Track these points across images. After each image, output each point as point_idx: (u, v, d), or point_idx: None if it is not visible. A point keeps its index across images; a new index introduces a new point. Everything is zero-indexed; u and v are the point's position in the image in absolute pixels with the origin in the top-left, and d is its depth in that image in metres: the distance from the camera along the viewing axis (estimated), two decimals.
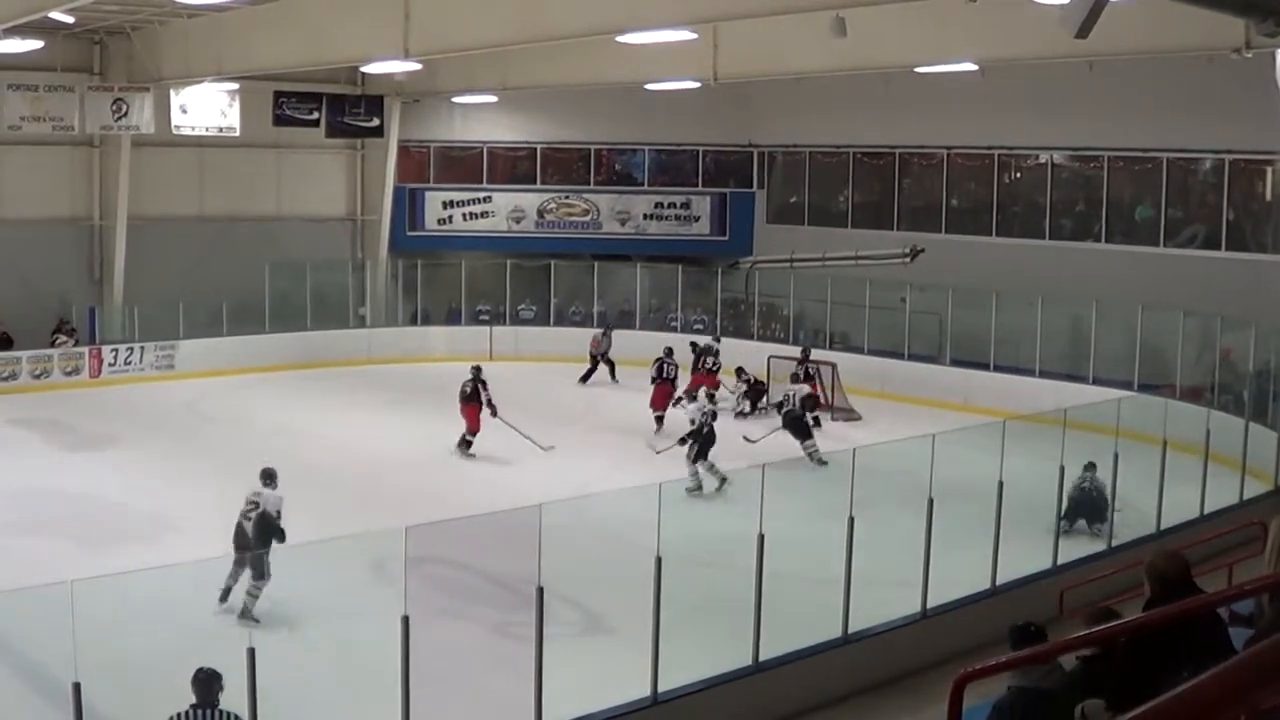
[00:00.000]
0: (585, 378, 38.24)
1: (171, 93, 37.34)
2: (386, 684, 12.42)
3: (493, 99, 42.47)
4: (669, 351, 32.56)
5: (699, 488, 24.71)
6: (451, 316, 43.22)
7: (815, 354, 34.55)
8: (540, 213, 44.87)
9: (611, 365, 38.44)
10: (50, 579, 11.85)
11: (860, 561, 15.86)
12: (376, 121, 42.58)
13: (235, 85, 37.95)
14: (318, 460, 28.22)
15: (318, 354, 39.12)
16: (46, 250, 39.28)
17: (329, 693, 15.17)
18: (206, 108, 38.32)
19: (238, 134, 39.30)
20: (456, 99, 43.08)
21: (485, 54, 31.47)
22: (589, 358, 38.65)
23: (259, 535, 17.98)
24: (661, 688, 13.95)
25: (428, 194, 45.46)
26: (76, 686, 10.83)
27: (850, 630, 15.95)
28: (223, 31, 33.36)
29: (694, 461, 25.09)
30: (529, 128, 45.15)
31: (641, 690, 13.93)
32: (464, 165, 45.70)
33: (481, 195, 45.25)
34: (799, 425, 28.52)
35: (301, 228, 43.65)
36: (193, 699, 10.73)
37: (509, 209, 44.98)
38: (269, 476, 18.89)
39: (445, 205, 45.40)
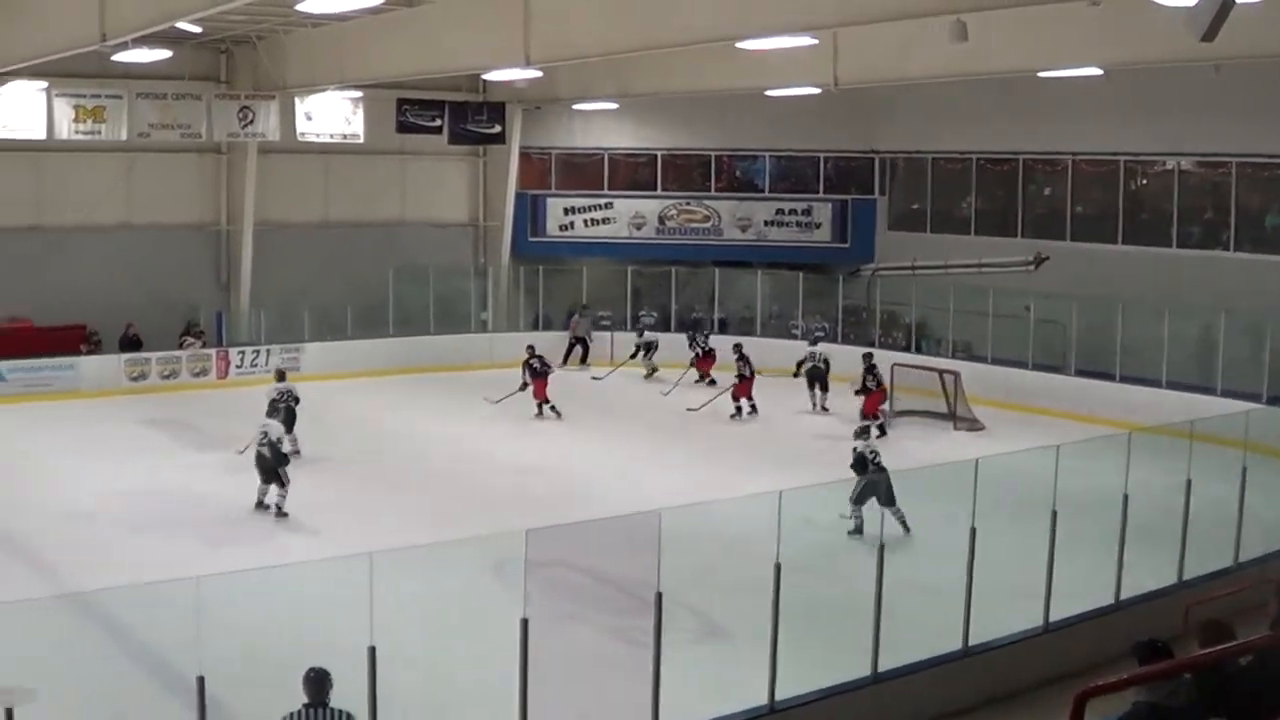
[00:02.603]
0: (565, 359, 40.55)
1: (296, 100, 37.82)
2: (504, 686, 12.46)
3: (613, 106, 42.64)
4: (869, 356, 32.95)
5: (859, 530, 21.99)
6: (567, 324, 43.17)
7: (939, 362, 34.48)
8: (661, 219, 44.89)
9: (585, 349, 41.17)
10: (176, 576, 12.00)
11: (981, 573, 15.70)
12: (498, 128, 42.78)
13: (359, 93, 38.36)
14: (439, 463, 28.49)
15: (440, 358, 39.35)
16: (175, 255, 39.93)
17: (447, 694, 15.25)
18: (331, 115, 38.77)
19: (362, 141, 39.73)
20: (577, 106, 43.24)
21: (605, 61, 31.54)
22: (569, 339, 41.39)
23: (274, 456, 23.96)
24: (778, 696, 13.89)
25: (549, 200, 45.63)
26: (201, 680, 10.95)
27: (971, 643, 15.78)
28: (346, 40, 33.64)
29: (857, 503, 22.34)
30: (649, 134, 45.21)
31: (758, 698, 13.87)
32: (585, 172, 45.84)
33: (602, 202, 45.36)
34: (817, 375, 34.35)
35: (424, 233, 43.99)
36: (305, 699, 10.80)
37: (630, 215, 45.05)
38: (274, 409, 26.35)
39: (566, 211, 45.55)
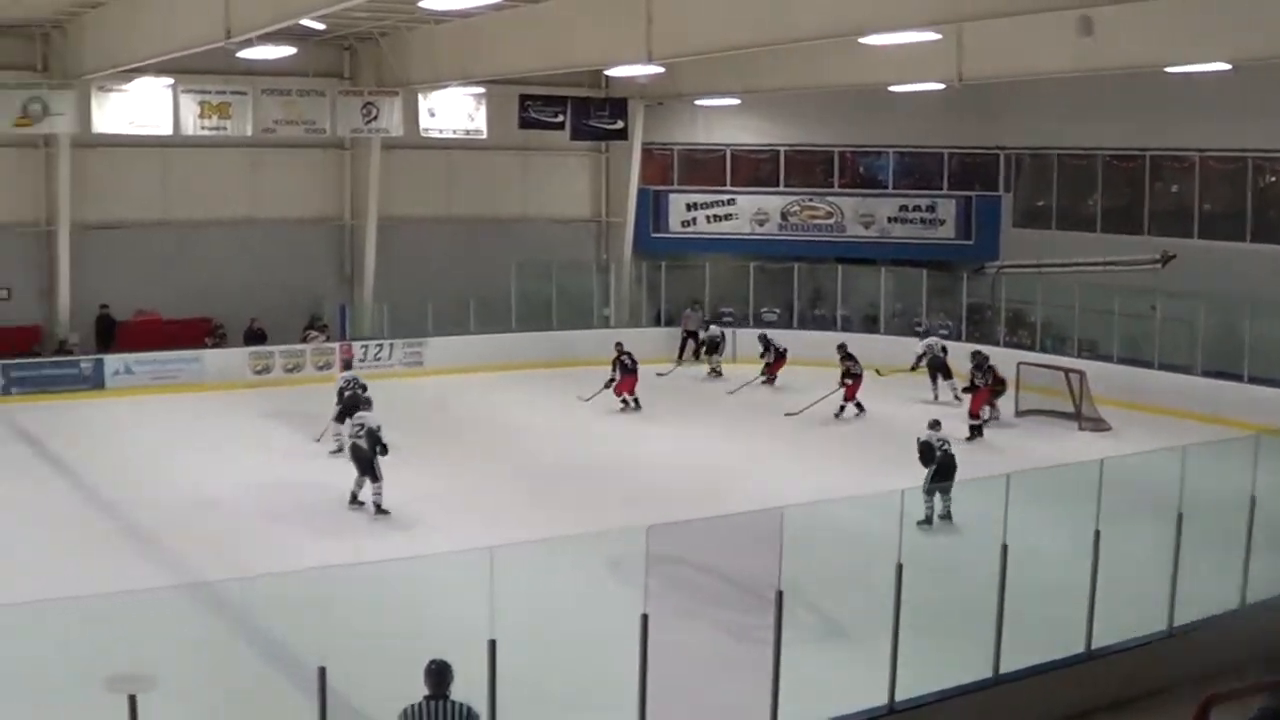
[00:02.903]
0: (680, 355, 40.40)
1: (420, 96, 38.01)
2: (623, 682, 12.45)
3: (735, 101, 42.57)
4: (981, 355, 32.60)
5: (929, 520, 22.95)
6: (679, 319, 43.04)
7: (1065, 361, 34.25)
8: (784, 215, 44.78)
9: (698, 344, 40.52)
10: (299, 567, 12.10)
11: (1105, 575, 15.52)
12: (620, 124, 42.83)
13: (482, 89, 38.50)
14: (560, 458, 28.56)
15: (562, 353, 39.49)
16: (300, 249, 40.39)
17: (565, 689, 15.27)
18: (454, 111, 38.93)
19: (484, 136, 39.86)
20: (699, 102, 43.22)
21: (727, 57, 31.43)
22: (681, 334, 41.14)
23: (371, 447, 23.44)
24: (898, 696, 13.80)
25: (671, 196, 45.66)
26: (322, 671, 11.02)
27: (1094, 645, 15.60)
28: (469, 36, 33.84)
29: (929, 493, 23.07)
30: (772, 130, 45.08)
31: (878, 698, 13.79)
32: (707, 168, 45.80)
33: (725, 198, 45.31)
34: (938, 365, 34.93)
35: (547, 229, 44.16)
36: (425, 691, 10.83)
37: (752, 212, 44.98)
38: (368, 403, 25.20)
39: (689, 207, 45.55)
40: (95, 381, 35.21)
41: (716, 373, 39.23)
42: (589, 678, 15.35)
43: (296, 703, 12.98)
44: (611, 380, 33.45)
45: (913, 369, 35.82)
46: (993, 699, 14.70)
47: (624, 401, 33.46)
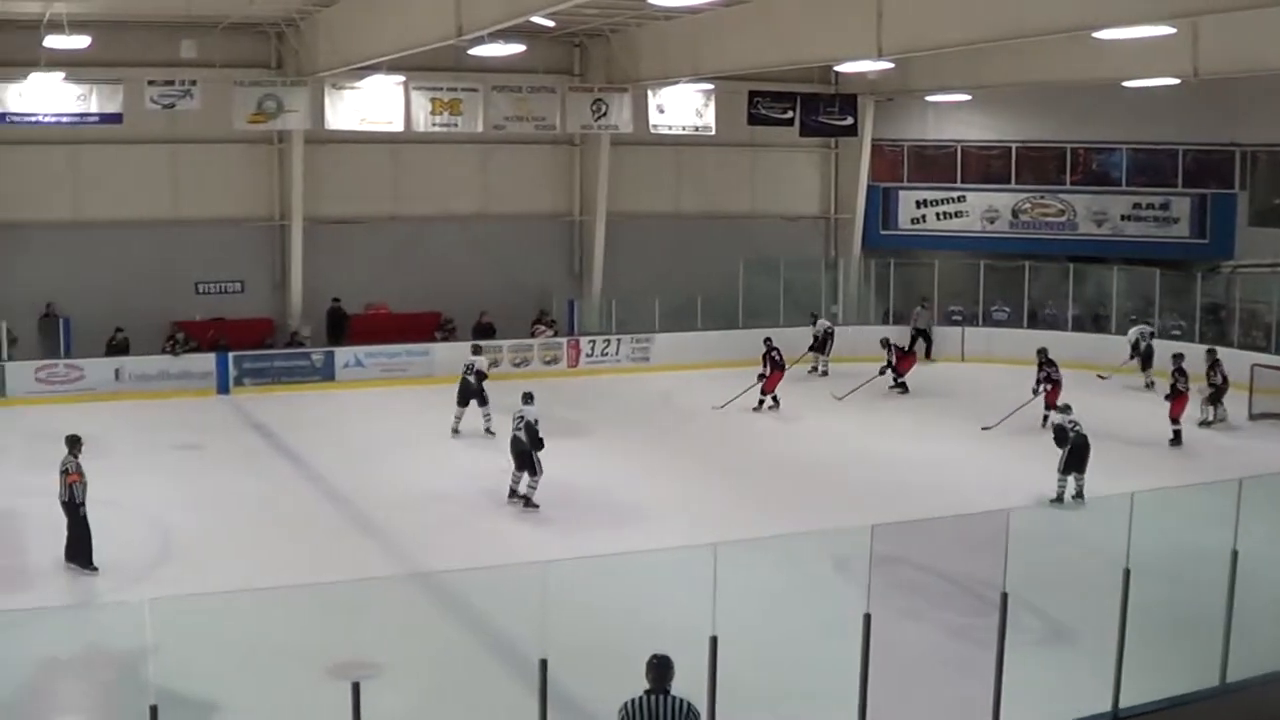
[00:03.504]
0: (910, 347, 39.40)
1: (649, 93, 38.20)
2: (844, 681, 12.40)
3: (966, 97, 42.08)
4: (1180, 358, 31.76)
5: (1060, 499, 24.04)
6: (908, 316, 42.64)
7: None
8: (1015, 213, 44.25)
9: (929, 342, 40.71)
10: (523, 559, 12.22)
11: None
12: (850, 120, 42.63)
13: (710, 85, 38.53)
14: (782, 454, 28.52)
15: (788, 350, 39.31)
16: (529, 244, 40.91)
17: (785, 687, 15.25)
18: (683, 107, 39.04)
19: (713, 133, 39.90)
20: (929, 97, 42.84)
21: (958, 52, 31.12)
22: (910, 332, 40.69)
23: (530, 440, 23.30)
24: (1123, 703, 13.56)
25: (901, 193, 45.42)
26: (543, 663, 11.12)
27: None
28: (698, 33, 33.94)
29: (1063, 473, 24.24)
30: (1003, 126, 44.54)
31: (1102, 704, 13.56)
32: (937, 164, 45.43)
33: (955, 195, 44.91)
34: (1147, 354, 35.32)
35: (775, 225, 44.18)
36: (645, 685, 10.86)
37: (983, 209, 44.53)
38: (528, 398, 24.43)
39: (919, 204, 45.25)
40: (326, 373, 36.06)
41: (822, 372, 38.71)
42: (809, 676, 15.31)
43: (516, 694, 13.16)
44: (762, 375, 33.23)
45: (1131, 358, 35.99)
46: (1220, 707, 14.37)
47: (771, 400, 33.23)
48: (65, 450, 19.73)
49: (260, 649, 14.81)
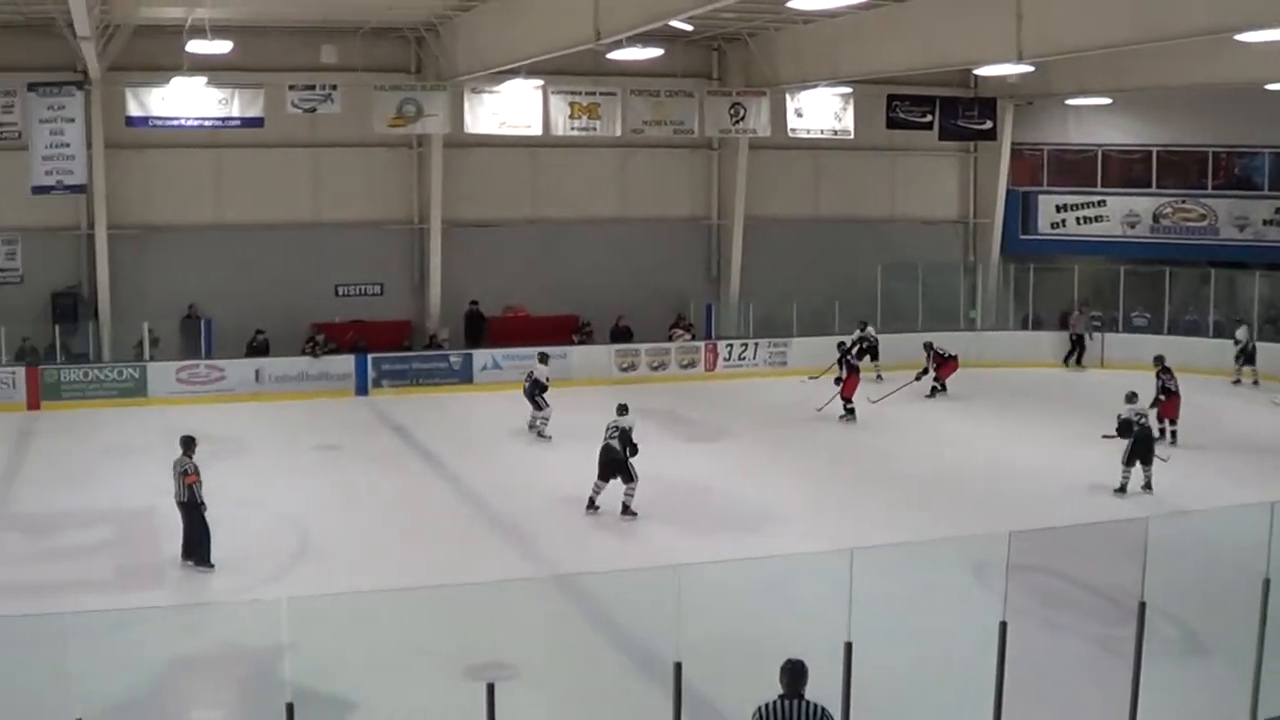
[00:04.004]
0: (1066, 358, 40.16)
1: (787, 96, 38.13)
2: (979, 689, 12.28)
3: (1106, 101, 41.63)
4: None
5: (1123, 489, 24.58)
6: (1064, 322, 42.18)
7: None
8: (1156, 217, 43.66)
9: (1083, 348, 40.49)
10: (658, 563, 12.20)
11: None
12: (989, 124, 42.32)
13: (848, 89, 38.39)
14: (916, 461, 28.25)
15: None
16: (666, 248, 40.98)
17: (920, 694, 15.11)
18: (821, 111, 38.91)
19: (851, 136, 39.72)
20: (1069, 101, 42.40)
21: (1098, 55, 30.73)
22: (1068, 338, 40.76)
23: (624, 447, 23.06)
24: (1261, 715, 13.31)
25: (1040, 197, 45.03)
26: (678, 666, 11.10)
27: None
28: (837, 36, 33.84)
29: (1127, 464, 24.70)
30: (1144, 130, 43.96)
31: (1241, 716, 13.33)
32: (1077, 168, 44.94)
33: (1095, 199, 44.41)
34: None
35: (913, 229, 43.96)
36: (779, 690, 10.80)
37: (1123, 213, 44.01)
38: (623, 409, 23.82)
39: (1058, 209, 44.83)
40: (464, 375, 36.30)
41: (878, 377, 37.77)
42: (944, 684, 15.17)
43: (651, 697, 13.13)
44: (839, 379, 32.76)
45: (1236, 359, 36.69)
46: None
47: (845, 407, 32.43)
48: (180, 451, 20.02)
49: (396, 649, 14.90)
